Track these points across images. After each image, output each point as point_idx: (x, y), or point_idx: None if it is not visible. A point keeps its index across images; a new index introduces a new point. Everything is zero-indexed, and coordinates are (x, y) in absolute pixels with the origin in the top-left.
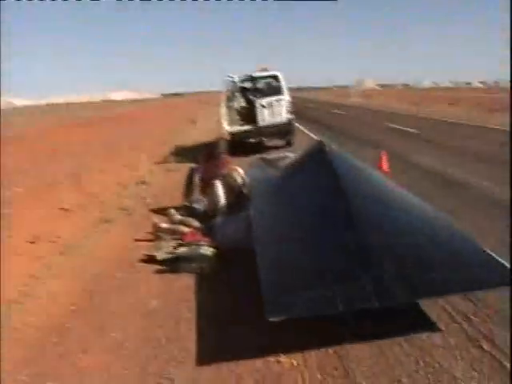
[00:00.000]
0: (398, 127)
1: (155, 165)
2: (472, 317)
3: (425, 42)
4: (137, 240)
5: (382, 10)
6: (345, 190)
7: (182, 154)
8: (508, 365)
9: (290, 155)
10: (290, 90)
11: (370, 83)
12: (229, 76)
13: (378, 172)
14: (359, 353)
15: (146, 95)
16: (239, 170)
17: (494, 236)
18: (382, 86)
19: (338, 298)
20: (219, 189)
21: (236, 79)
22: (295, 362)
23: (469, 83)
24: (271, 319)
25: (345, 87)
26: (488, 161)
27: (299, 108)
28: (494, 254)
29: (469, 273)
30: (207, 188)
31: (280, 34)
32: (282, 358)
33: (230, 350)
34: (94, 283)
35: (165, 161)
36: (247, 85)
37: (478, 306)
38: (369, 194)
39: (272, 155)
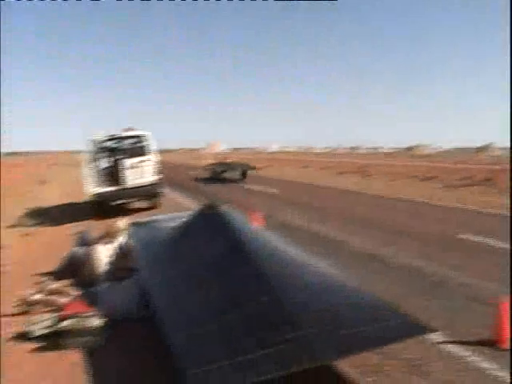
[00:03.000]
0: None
1: (8, 228)
2: (384, 368)
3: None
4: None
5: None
6: (248, 250)
7: (36, 217)
8: None
9: (161, 218)
10: None
11: (220, 146)
12: (94, 134)
13: (264, 230)
14: None
15: None
16: (120, 233)
17: None
18: (232, 149)
19: (267, 362)
20: (98, 253)
21: (101, 138)
22: None
23: (311, 148)
24: None
25: (194, 150)
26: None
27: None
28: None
29: (383, 328)
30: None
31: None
32: None
33: None
34: None
35: (19, 224)
36: (112, 145)
37: (385, 357)
38: (269, 252)
39: (144, 219)
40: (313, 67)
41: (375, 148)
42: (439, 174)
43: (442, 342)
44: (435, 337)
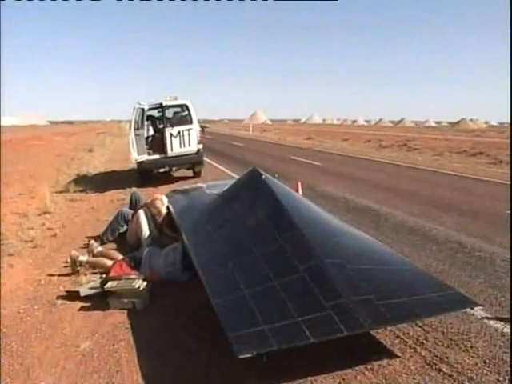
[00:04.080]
0: (303, 160)
1: (56, 194)
2: (424, 341)
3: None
4: (51, 275)
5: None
6: (291, 217)
7: (83, 183)
8: None
9: (203, 185)
10: None
11: (262, 117)
12: (138, 103)
13: (305, 199)
14: None
15: (31, 121)
16: (163, 199)
17: None
18: (273, 120)
19: (306, 328)
20: (142, 218)
21: (145, 107)
22: None
23: (355, 120)
24: (242, 356)
25: (237, 120)
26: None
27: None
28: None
29: (424, 299)
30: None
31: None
32: None
33: None
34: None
35: (66, 190)
36: (156, 113)
37: (426, 330)
38: (312, 220)
39: (186, 186)
40: (356, 37)
41: (421, 121)
42: (488, 150)
43: (485, 318)
44: (479, 312)
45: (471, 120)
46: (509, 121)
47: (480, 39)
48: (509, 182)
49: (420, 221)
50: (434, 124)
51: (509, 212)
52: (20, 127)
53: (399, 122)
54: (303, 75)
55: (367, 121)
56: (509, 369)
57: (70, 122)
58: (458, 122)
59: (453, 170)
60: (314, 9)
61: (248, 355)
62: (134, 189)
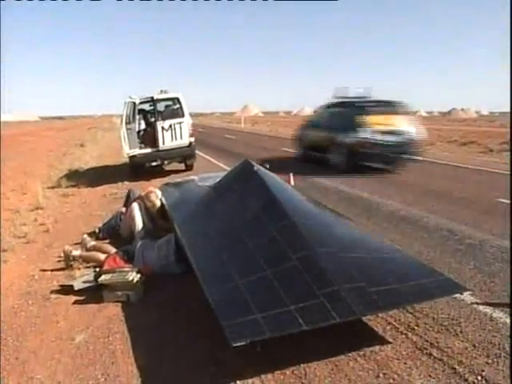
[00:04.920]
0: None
1: (48, 190)
2: (415, 327)
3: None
4: (44, 270)
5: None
6: (284, 207)
7: (75, 178)
8: (460, 369)
9: (196, 178)
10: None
11: (253, 110)
12: (129, 97)
13: (296, 190)
14: (317, 372)
15: (22, 117)
16: (157, 192)
17: None
18: (265, 112)
19: (299, 316)
20: (136, 212)
21: (136, 101)
22: None
23: None
24: (235, 344)
25: (229, 113)
26: None
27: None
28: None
29: (415, 286)
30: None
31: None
32: None
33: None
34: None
35: (58, 185)
36: (148, 107)
37: (417, 316)
38: (304, 210)
39: (179, 179)
40: (346, 29)
41: (412, 112)
42: (478, 139)
43: (475, 303)
44: (468, 298)
45: (462, 109)
46: (498, 110)
47: (472, 29)
48: (498, 171)
49: (412, 209)
50: (424, 114)
51: (499, 200)
52: (11, 123)
53: None
54: (295, 67)
55: None
56: (497, 352)
57: (61, 118)
58: (449, 112)
59: (443, 159)
60: (305, 3)
61: (241, 343)
62: (127, 183)
